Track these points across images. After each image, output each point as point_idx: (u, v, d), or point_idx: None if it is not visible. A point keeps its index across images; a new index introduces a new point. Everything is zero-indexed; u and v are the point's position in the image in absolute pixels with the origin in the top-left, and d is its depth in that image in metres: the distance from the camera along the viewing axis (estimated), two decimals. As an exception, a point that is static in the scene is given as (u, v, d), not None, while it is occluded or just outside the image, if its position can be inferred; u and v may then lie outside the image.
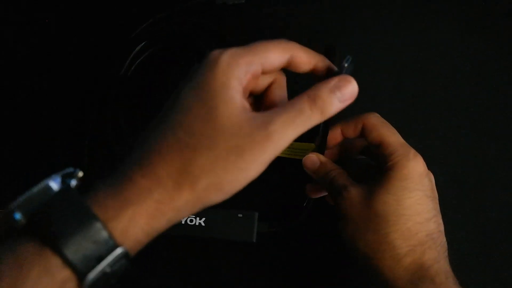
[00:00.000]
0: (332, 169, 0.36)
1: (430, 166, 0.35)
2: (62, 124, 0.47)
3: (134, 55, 0.47)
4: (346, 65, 0.30)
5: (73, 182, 0.26)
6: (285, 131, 0.27)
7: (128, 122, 0.46)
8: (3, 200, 0.44)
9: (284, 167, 0.39)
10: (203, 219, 0.41)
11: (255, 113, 0.27)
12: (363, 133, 0.37)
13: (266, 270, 0.43)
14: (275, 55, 0.29)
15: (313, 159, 0.37)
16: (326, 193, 0.39)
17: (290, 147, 0.39)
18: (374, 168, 0.38)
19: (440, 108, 0.46)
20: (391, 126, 0.36)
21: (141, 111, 0.47)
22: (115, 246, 0.24)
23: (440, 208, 0.35)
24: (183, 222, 0.41)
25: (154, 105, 0.47)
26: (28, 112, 0.48)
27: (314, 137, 0.38)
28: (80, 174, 0.27)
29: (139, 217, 0.25)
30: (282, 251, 0.43)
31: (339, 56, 0.46)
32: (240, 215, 0.42)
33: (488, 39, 0.47)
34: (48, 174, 0.45)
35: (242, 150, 0.26)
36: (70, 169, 0.27)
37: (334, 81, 0.28)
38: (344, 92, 0.28)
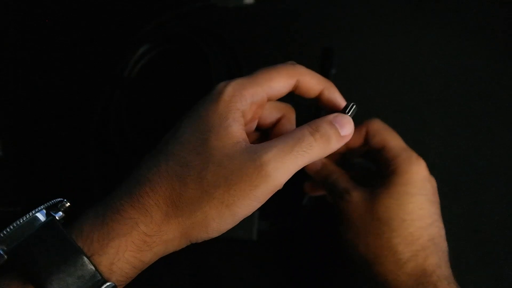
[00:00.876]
0: (333, 171, 0.36)
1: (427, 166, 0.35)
2: (65, 126, 0.47)
3: (136, 58, 0.47)
4: (349, 114, 0.29)
5: (59, 214, 0.25)
6: (281, 162, 0.25)
7: (131, 123, 0.46)
8: (6, 202, 0.44)
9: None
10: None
11: (252, 144, 0.26)
12: (365, 138, 0.37)
13: (266, 268, 0.43)
14: (281, 83, 0.28)
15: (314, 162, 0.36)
16: (325, 192, 0.39)
17: None
18: (374, 172, 0.38)
19: (438, 109, 0.46)
20: (393, 131, 0.36)
21: (144, 112, 0.48)
22: (102, 281, 0.23)
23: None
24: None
25: (157, 106, 0.48)
26: (30, 114, 0.48)
27: None
28: (67, 204, 0.26)
29: (126, 249, 0.24)
30: (283, 249, 0.43)
31: (336, 59, 0.47)
32: None
33: (488, 39, 0.47)
34: (50, 176, 0.45)
35: (229, 183, 0.24)
36: (58, 199, 0.26)
37: (333, 115, 0.28)
38: (342, 126, 0.27)
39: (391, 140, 0.35)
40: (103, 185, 0.45)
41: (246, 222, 0.41)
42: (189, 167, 0.25)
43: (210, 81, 0.45)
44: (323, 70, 0.46)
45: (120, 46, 0.48)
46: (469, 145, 0.45)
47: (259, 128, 0.32)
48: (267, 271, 0.43)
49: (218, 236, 0.41)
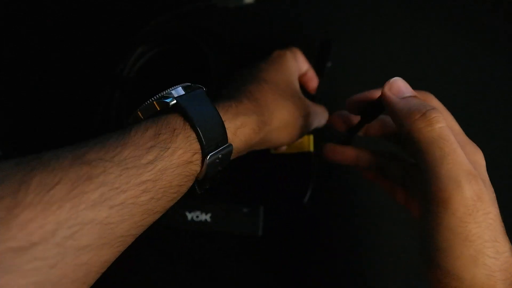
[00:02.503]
0: (439, 116, 0.27)
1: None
2: (65, 126, 0.47)
3: (136, 58, 0.48)
4: None
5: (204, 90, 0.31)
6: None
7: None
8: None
9: (284, 162, 0.40)
10: (209, 214, 0.42)
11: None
12: None
13: (270, 264, 0.43)
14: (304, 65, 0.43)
15: (401, 83, 0.31)
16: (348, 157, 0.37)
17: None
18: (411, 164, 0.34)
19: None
20: (450, 114, 0.31)
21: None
22: (227, 141, 0.29)
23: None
24: (189, 219, 0.42)
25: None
26: (30, 114, 0.48)
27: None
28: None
29: (245, 127, 0.32)
30: (286, 245, 0.43)
31: (333, 52, 0.47)
32: (245, 210, 0.42)
33: (488, 39, 0.48)
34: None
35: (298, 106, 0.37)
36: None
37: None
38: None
39: (452, 129, 0.29)
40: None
41: (252, 217, 0.42)
42: (283, 91, 0.37)
43: (210, 81, 0.45)
44: (319, 62, 0.45)
45: (120, 46, 0.48)
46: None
47: None
48: (271, 266, 0.43)
49: (225, 231, 0.41)
